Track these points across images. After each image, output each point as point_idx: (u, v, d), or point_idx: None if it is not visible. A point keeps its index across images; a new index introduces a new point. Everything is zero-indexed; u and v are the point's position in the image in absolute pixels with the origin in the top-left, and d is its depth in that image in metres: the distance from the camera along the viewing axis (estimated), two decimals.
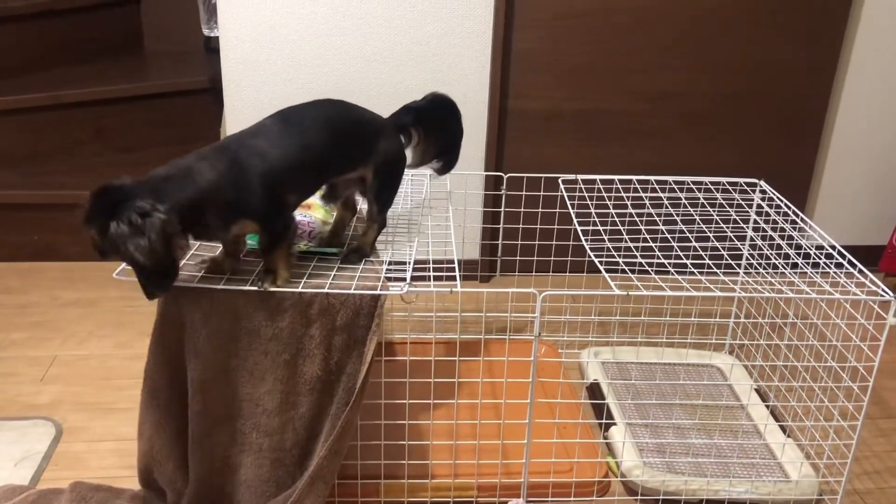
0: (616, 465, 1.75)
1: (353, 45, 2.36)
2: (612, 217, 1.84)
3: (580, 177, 2.00)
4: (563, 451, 1.74)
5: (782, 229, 1.85)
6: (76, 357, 2.13)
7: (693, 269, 1.60)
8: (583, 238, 1.73)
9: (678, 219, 1.87)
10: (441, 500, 1.65)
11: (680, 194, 1.96)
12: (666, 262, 1.63)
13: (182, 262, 1.49)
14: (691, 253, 1.69)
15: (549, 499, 1.66)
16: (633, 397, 1.99)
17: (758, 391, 2.01)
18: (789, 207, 1.87)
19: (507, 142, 2.54)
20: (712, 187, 1.98)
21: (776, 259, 1.84)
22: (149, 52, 3.39)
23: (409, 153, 1.62)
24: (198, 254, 1.54)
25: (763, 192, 1.99)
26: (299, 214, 1.62)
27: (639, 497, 1.70)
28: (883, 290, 1.54)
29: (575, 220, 1.79)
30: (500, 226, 2.19)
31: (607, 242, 1.72)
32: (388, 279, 1.49)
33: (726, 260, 1.72)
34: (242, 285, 1.42)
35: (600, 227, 1.79)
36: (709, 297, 1.57)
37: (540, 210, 2.13)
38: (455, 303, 2.20)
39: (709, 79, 2.54)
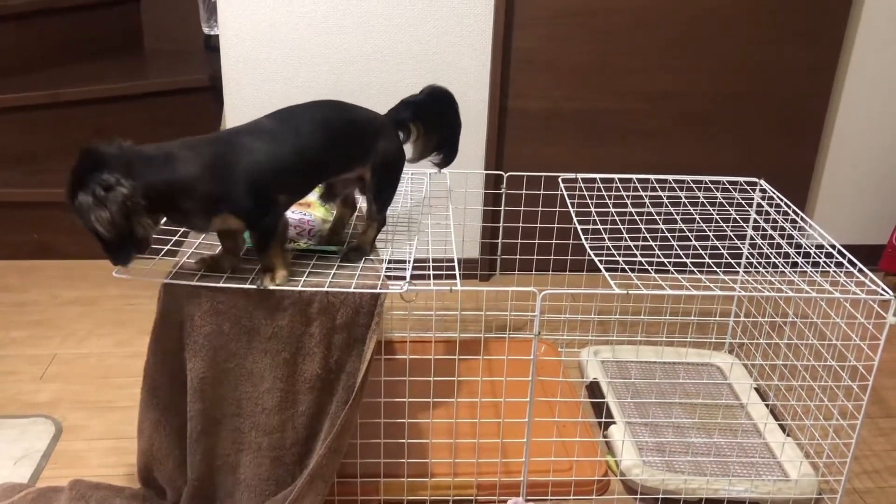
0: (615, 463, 1.75)
1: (353, 43, 2.36)
2: (612, 216, 1.84)
3: (580, 176, 2.00)
4: (563, 449, 1.74)
5: (782, 228, 1.85)
6: (76, 355, 2.13)
7: (693, 268, 1.60)
8: (583, 237, 1.73)
9: (678, 218, 1.87)
10: (440, 499, 1.65)
11: (680, 193, 1.96)
12: (666, 260, 1.63)
13: (183, 260, 1.50)
14: (691, 252, 1.69)
15: (549, 497, 1.66)
16: (633, 396, 1.99)
17: (757, 390, 2.01)
18: (789, 206, 1.87)
19: (507, 141, 2.54)
20: (712, 186, 1.98)
21: (776, 258, 1.84)
22: (149, 51, 3.39)
23: (408, 148, 1.62)
24: (198, 252, 1.54)
25: (763, 191, 1.99)
26: (299, 213, 1.63)
27: (638, 496, 1.70)
28: (883, 289, 1.54)
29: (575, 219, 1.79)
30: (500, 224, 2.19)
31: (607, 241, 1.72)
32: (388, 278, 1.49)
33: (726, 259, 1.72)
34: (242, 283, 1.42)
35: (600, 226, 1.79)
36: (709, 296, 1.57)
37: (540, 209, 2.13)
38: (455, 301, 2.20)
39: (709, 78, 2.54)
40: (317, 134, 1.46)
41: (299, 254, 1.56)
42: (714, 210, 1.92)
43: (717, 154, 2.63)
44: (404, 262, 1.54)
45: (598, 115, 2.55)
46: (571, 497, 1.68)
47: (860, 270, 1.60)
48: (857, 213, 2.75)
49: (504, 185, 2.10)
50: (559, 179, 1.97)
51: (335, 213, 1.66)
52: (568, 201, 1.90)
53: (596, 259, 1.60)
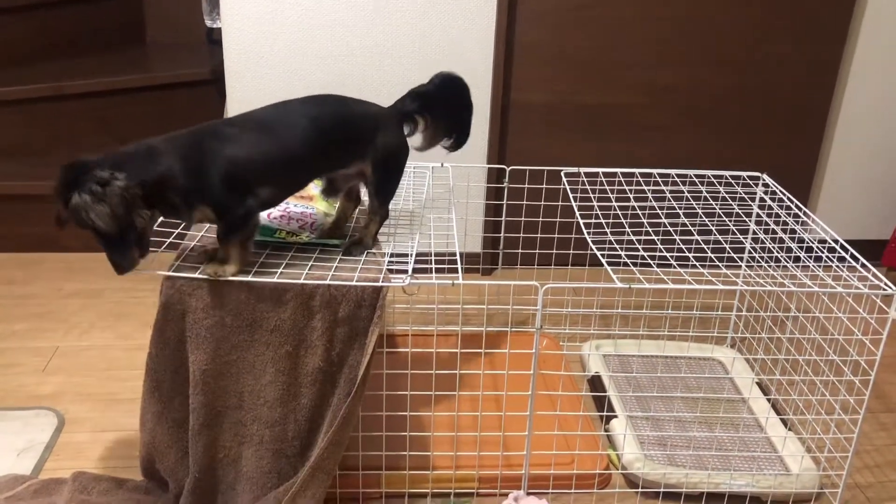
0: (617, 457, 1.75)
1: (356, 36, 2.35)
2: (615, 210, 1.84)
3: (583, 170, 2.00)
4: (564, 443, 1.74)
5: (785, 223, 1.85)
6: (78, 348, 2.14)
7: (695, 263, 1.60)
8: (585, 231, 1.73)
9: (681, 212, 1.87)
10: (442, 492, 1.65)
11: (682, 187, 1.95)
12: (668, 255, 1.62)
13: (185, 254, 1.50)
14: (693, 246, 1.69)
15: (550, 490, 1.67)
16: (635, 390, 1.99)
17: (759, 384, 2.01)
18: (792, 201, 1.87)
19: (510, 134, 2.54)
20: (715, 181, 1.98)
21: (778, 253, 1.84)
22: (151, 44, 3.39)
23: (418, 137, 1.60)
24: (199, 245, 1.54)
25: (766, 185, 1.99)
26: (301, 206, 1.63)
27: (639, 489, 1.70)
28: (885, 283, 1.54)
29: (577, 213, 1.79)
30: (503, 218, 2.19)
31: (609, 235, 1.71)
32: (391, 271, 1.49)
33: (728, 253, 1.72)
34: (245, 276, 1.42)
35: (602, 220, 1.79)
36: (711, 291, 1.57)
37: (542, 203, 2.13)
38: (457, 295, 2.20)
39: (712, 73, 2.53)
40: (308, 129, 1.44)
41: (301, 247, 1.57)
42: (717, 204, 1.92)
43: (721, 148, 2.63)
44: (406, 255, 1.54)
45: (602, 110, 2.55)
46: (573, 490, 1.68)
47: (863, 265, 1.60)
48: (860, 209, 2.75)
49: (506, 179, 2.10)
50: (562, 173, 1.97)
51: (338, 206, 1.66)
52: (570, 195, 1.90)
53: (598, 253, 1.60)
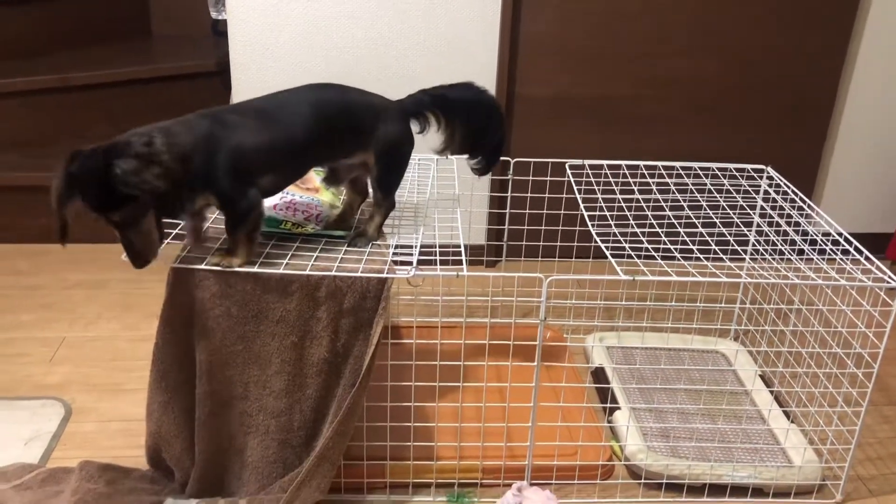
0: (620, 448, 1.76)
1: (361, 28, 2.35)
2: (619, 202, 1.84)
3: (587, 162, 2.00)
4: (568, 434, 1.75)
5: (789, 216, 1.85)
6: (84, 338, 2.15)
7: (699, 255, 1.60)
8: (589, 223, 1.73)
9: (685, 205, 1.87)
10: (446, 482, 1.66)
11: (687, 180, 1.95)
12: (672, 247, 1.63)
13: (187, 248, 1.51)
14: (697, 239, 1.69)
15: (553, 482, 1.68)
16: (638, 382, 1.99)
17: (762, 377, 2.01)
18: (796, 194, 1.87)
19: (515, 126, 2.54)
20: (719, 173, 1.98)
21: (782, 245, 1.84)
22: (157, 35, 3.39)
23: (436, 139, 1.58)
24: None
25: (770, 178, 1.99)
26: (307, 197, 1.63)
27: (642, 481, 1.71)
28: (889, 276, 1.54)
29: (581, 206, 1.79)
30: (507, 211, 2.19)
31: (614, 228, 1.72)
32: (395, 263, 1.49)
33: (732, 246, 1.72)
34: (251, 268, 1.43)
35: (607, 213, 1.79)
36: (714, 283, 1.57)
37: (547, 195, 2.13)
38: (461, 287, 2.21)
39: (717, 65, 2.53)
40: (308, 117, 1.44)
41: (306, 239, 1.57)
42: (721, 197, 1.92)
43: (725, 141, 2.62)
44: (411, 247, 1.54)
45: (606, 102, 2.55)
46: (576, 481, 1.69)
47: (867, 258, 1.60)
48: (865, 202, 2.75)
49: (511, 171, 2.10)
50: (566, 166, 1.98)
51: (344, 198, 1.66)
52: (575, 188, 1.90)
53: (602, 245, 1.60)
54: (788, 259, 1.77)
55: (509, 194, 2.16)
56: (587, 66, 2.50)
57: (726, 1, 2.45)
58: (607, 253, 1.55)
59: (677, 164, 1.99)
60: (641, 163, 2.00)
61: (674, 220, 1.78)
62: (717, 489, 1.69)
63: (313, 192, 1.65)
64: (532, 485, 1.65)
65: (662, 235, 1.68)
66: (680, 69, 2.52)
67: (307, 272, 1.43)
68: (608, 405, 1.86)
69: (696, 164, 1.99)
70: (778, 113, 2.61)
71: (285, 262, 1.46)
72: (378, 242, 1.58)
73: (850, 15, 2.51)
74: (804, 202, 1.84)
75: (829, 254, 1.70)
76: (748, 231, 1.93)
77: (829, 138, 2.67)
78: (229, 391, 1.49)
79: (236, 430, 1.52)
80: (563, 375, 1.90)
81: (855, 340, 1.66)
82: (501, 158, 2.22)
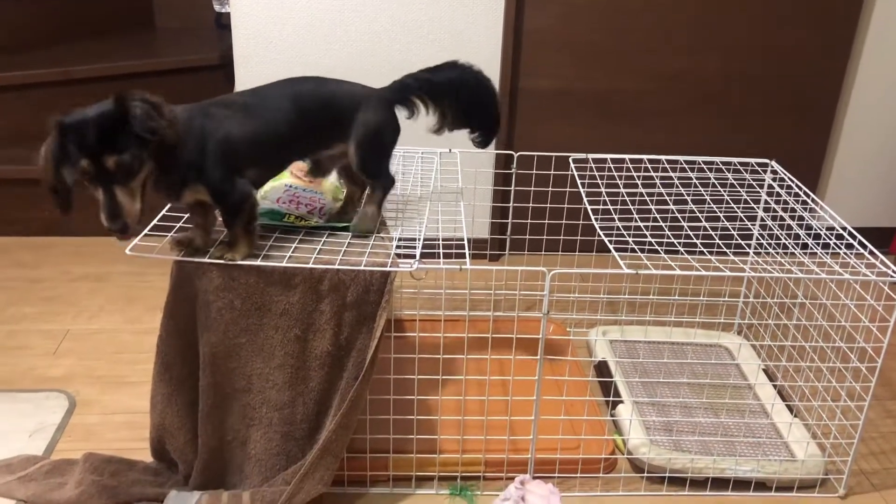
0: (623, 442, 1.76)
1: (364, 21, 2.35)
2: (623, 196, 1.84)
3: (591, 156, 2.00)
4: (571, 428, 1.75)
5: (793, 210, 1.85)
6: (88, 331, 2.15)
7: (703, 249, 1.60)
8: (592, 217, 1.73)
9: (689, 198, 1.87)
10: (449, 475, 1.66)
11: (690, 174, 1.95)
12: (676, 241, 1.63)
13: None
14: (701, 233, 1.69)
15: (556, 475, 1.68)
16: (641, 376, 1.99)
17: (765, 371, 2.01)
18: (800, 188, 1.87)
19: (518, 120, 2.54)
20: (723, 167, 1.97)
21: (786, 239, 1.84)
22: (159, 28, 3.39)
23: (430, 120, 1.58)
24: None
25: (774, 172, 1.98)
26: (310, 191, 1.63)
27: (645, 474, 1.71)
28: (893, 271, 1.54)
29: (585, 200, 1.79)
30: (510, 204, 2.19)
31: (617, 222, 1.72)
32: (398, 256, 1.49)
33: (736, 240, 1.72)
34: (255, 261, 1.43)
35: (610, 207, 1.79)
36: (718, 277, 1.57)
37: (550, 189, 2.13)
38: (464, 280, 2.21)
39: (721, 59, 2.52)
40: (289, 111, 1.44)
41: (310, 231, 1.57)
42: (725, 191, 1.92)
43: (729, 135, 2.62)
44: (414, 240, 1.54)
45: (610, 96, 2.54)
46: (578, 475, 1.69)
47: (871, 252, 1.60)
48: (869, 196, 2.74)
49: (514, 165, 2.10)
50: (570, 159, 1.97)
51: (345, 191, 1.66)
52: (578, 181, 1.90)
53: (606, 239, 1.60)
54: (792, 253, 1.77)
55: (513, 188, 2.15)
56: (591, 60, 2.49)
57: None
58: (610, 246, 1.55)
59: (681, 158, 1.99)
60: (645, 157, 2.00)
61: (677, 214, 1.78)
62: (720, 483, 1.69)
63: (316, 184, 1.65)
64: (535, 478, 1.65)
65: (666, 229, 1.68)
66: (684, 64, 2.52)
67: (310, 265, 1.43)
68: (611, 399, 1.86)
69: (699, 158, 1.99)
70: (782, 107, 2.60)
71: (288, 255, 1.46)
72: (382, 235, 1.57)
73: (855, 10, 2.50)
74: (808, 196, 1.83)
75: (833, 248, 1.69)
76: (752, 225, 1.93)
77: (834, 132, 2.67)
78: (232, 384, 1.50)
79: (239, 422, 1.52)
80: (566, 369, 1.90)
81: (858, 335, 1.66)
82: (505, 153, 2.22)
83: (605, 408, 1.88)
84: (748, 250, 2.04)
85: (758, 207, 2.00)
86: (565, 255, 2.23)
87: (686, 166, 1.97)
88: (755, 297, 2.14)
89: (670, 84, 2.54)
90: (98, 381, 1.95)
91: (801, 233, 1.79)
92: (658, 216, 1.75)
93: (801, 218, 1.81)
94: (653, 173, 1.95)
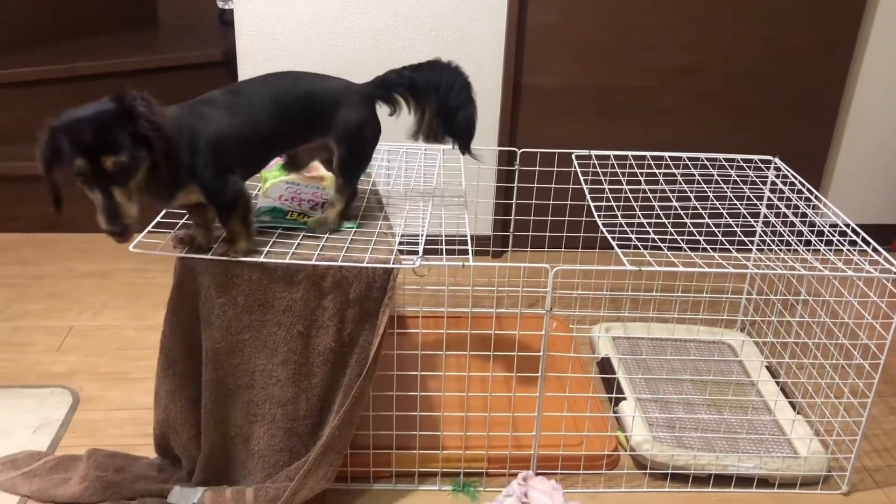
0: (625, 439, 1.76)
1: (367, 17, 2.35)
2: (626, 193, 1.84)
3: (594, 153, 1.99)
4: (574, 424, 1.75)
5: (796, 207, 1.84)
6: (92, 328, 2.16)
7: (706, 246, 1.60)
8: (595, 214, 1.73)
9: (692, 195, 1.87)
10: (451, 471, 1.67)
11: (694, 171, 1.95)
12: (679, 238, 1.62)
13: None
14: (704, 229, 1.69)
15: (559, 471, 1.68)
16: (644, 372, 1.99)
17: (768, 368, 2.01)
18: (804, 185, 1.86)
19: (521, 117, 2.53)
20: (726, 164, 1.97)
21: (789, 236, 1.84)
22: (163, 25, 3.39)
23: (411, 123, 1.58)
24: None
25: (777, 169, 1.98)
26: (312, 187, 1.63)
27: (647, 471, 1.71)
28: None
29: (588, 196, 1.79)
30: (513, 201, 2.19)
31: (620, 219, 1.72)
32: (401, 253, 1.50)
33: (739, 237, 1.71)
34: (257, 257, 1.43)
35: (613, 204, 1.79)
36: (721, 274, 1.57)
37: (553, 186, 2.13)
38: (467, 277, 2.21)
39: (725, 56, 2.52)
40: (269, 105, 1.44)
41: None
42: (728, 188, 1.92)
43: (732, 133, 2.62)
44: (417, 237, 1.54)
45: (613, 93, 2.54)
46: (581, 471, 1.69)
47: (874, 249, 1.60)
48: (872, 193, 2.74)
49: (517, 162, 2.10)
50: (573, 156, 1.97)
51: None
52: (581, 178, 1.90)
53: (609, 236, 1.60)
54: (795, 250, 1.76)
55: (515, 185, 2.16)
56: (594, 57, 2.49)
57: None
58: (613, 243, 1.55)
59: (684, 154, 1.99)
60: (648, 153, 2.00)
61: (680, 211, 1.78)
62: (723, 479, 1.69)
63: (318, 181, 1.65)
64: (537, 474, 1.65)
65: (669, 226, 1.68)
66: (686, 62, 2.51)
67: (313, 262, 1.44)
68: (614, 395, 1.86)
69: (703, 155, 1.99)
70: (786, 104, 2.60)
71: (291, 251, 1.46)
72: (385, 232, 1.58)
73: (857, 9, 2.50)
74: (811, 193, 1.83)
75: (836, 245, 1.69)
76: (755, 222, 1.93)
77: (837, 130, 2.66)
78: (235, 380, 1.50)
79: (242, 418, 1.53)
80: (569, 366, 1.90)
81: (861, 331, 1.66)
82: (508, 149, 2.22)
83: (607, 404, 1.88)
84: (751, 247, 2.04)
85: (761, 204, 1.99)
86: (568, 251, 2.23)
87: (689, 163, 1.96)
88: (758, 293, 2.14)
89: (673, 81, 2.54)
90: (102, 378, 1.95)
91: (805, 229, 1.79)
92: (661, 213, 1.75)
93: (805, 215, 1.81)
94: (656, 170, 1.95)
